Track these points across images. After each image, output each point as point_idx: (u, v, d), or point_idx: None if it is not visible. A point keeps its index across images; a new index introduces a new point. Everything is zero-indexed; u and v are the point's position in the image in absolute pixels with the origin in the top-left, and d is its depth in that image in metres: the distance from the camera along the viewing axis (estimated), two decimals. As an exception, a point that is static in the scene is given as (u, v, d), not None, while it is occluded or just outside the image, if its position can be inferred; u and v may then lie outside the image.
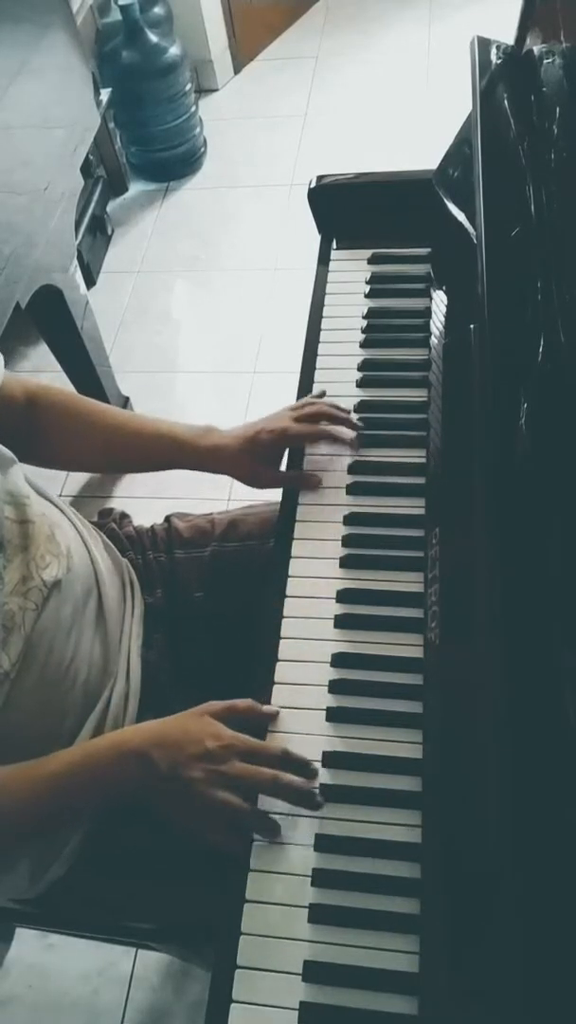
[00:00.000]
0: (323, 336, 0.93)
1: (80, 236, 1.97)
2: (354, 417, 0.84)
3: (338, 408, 0.83)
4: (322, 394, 0.87)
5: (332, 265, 1.00)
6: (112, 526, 0.93)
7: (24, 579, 0.66)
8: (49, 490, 0.77)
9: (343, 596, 0.72)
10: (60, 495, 0.80)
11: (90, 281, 2.16)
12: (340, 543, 0.76)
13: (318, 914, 0.57)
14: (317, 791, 0.60)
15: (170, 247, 2.28)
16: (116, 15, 2.15)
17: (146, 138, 2.34)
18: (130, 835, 0.72)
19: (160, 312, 2.13)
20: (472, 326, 0.68)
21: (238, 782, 0.60)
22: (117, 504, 1.09)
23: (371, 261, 0.99)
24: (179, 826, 0.61)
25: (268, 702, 0.67)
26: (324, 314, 0.95)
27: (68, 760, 0.63)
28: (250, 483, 0.82)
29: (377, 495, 0.79)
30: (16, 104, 1.26)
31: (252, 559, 0.88)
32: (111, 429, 0.82)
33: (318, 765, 0.63)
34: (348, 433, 0.81)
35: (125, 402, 1.84)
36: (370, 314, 0.94)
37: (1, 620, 0.63)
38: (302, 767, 0.61)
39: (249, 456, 0.80)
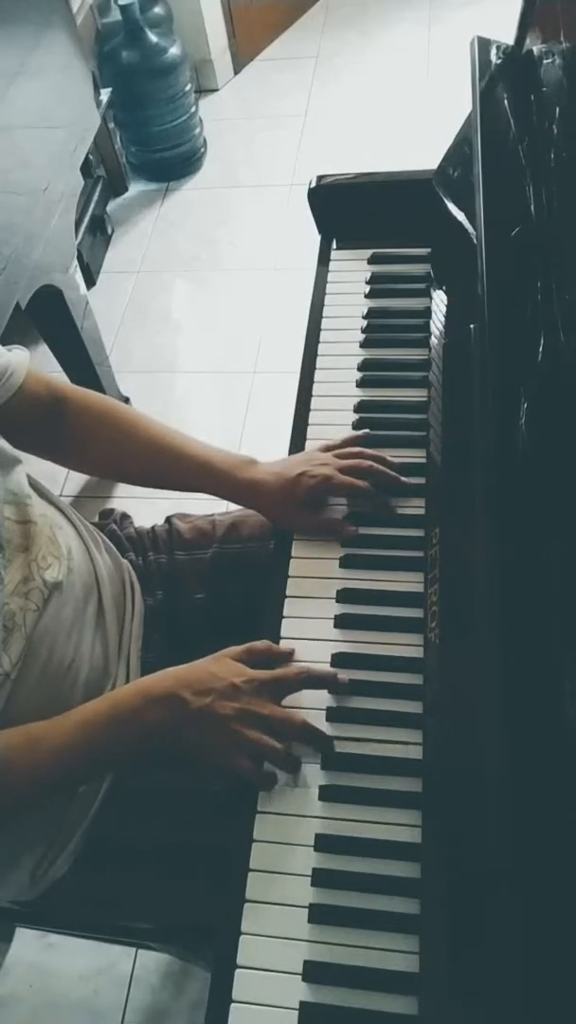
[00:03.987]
0: (323, 336, 0.93)
1: (80, 236, 1.97)
2: (352, 419, 0.84)
3: (385, 461, 0.77)
4: (365, 435, 0.81)
5: (332, 265, 1.00)
6: (113, 527, 0.93)
7: (25, 579, 0.66)
8: (49, 490, 0.77)
9: (343, 596, 0.72)
10: (60, 495, 0.80)
11: (90, 281, 2.16)
12: (340, 543, 0.76)
13: (318, 914, 0.57)
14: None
15: (170, 247, 2.28)
16: (116, 15, 2.15)
17: (146, 138, 2.34)
18: (130, 835, 0.73)
19: (160, 312, 2.13)
20: (472, 326, 0.68)
21: (268, 722, 0.62)
22: (117, 504, 1.10)
23: (371, 261, 0.99)
24: (205, 765, 0.63)
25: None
26: (324, 314, 0.95)
27: (95, 709, 0.63)
28: (283, 525, 0.78)
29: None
30: (16, 104, 1.26)
31: (253, 560, 0.88)
32: (147, 443, 0.79)
33: (318, 765, 0.63)
34: (388, 508, 0.76)
35: (125, 402, 1.84)
36: (370, 314, 0.94)
37: (2, 620, 0.63)
38: (328, 680, 0.65)
39: (287, 498, 0.76)
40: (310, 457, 0.79)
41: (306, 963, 0.55)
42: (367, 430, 0.82)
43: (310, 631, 0.71)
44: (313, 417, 0.86)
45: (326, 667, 0.67)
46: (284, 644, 0.70)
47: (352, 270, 0.98)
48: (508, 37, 0.89)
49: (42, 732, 0.62)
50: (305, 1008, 0.53)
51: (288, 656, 0.68)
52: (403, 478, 0.77)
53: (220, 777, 0.64)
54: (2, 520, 0.65)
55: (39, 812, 0.71)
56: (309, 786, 0.62)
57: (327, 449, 0.80)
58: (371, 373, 0.88)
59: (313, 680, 0.65)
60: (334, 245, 1.02)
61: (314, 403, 0.87)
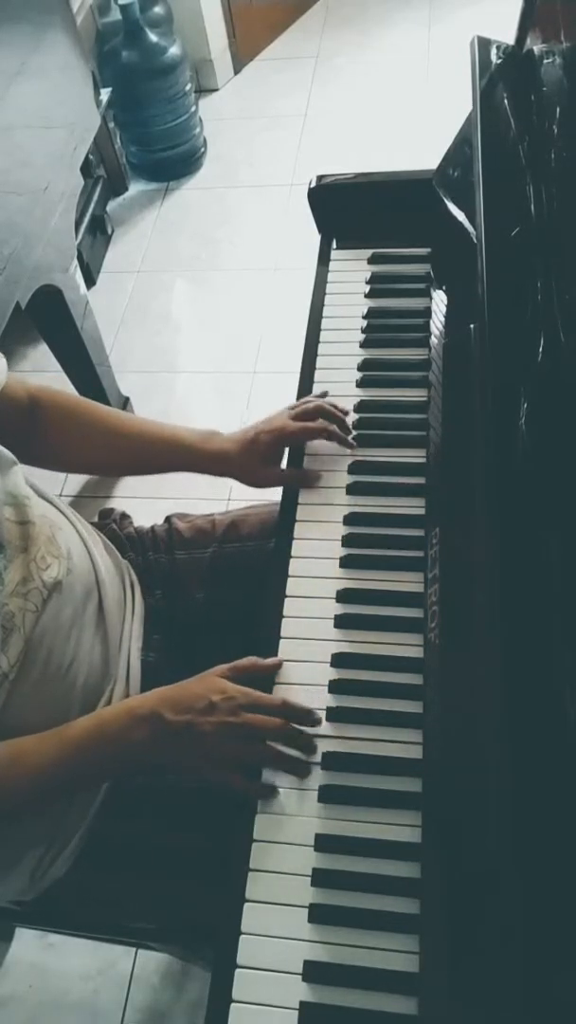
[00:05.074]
0: (323, 336, 0.93)
1: (80, 236, 1.97)
2: (351, 418, 0.84)
3: (336, 407, 0.83)
4: (324, 394, 0.87)
5: (332, 265, 1.00)
6: (113, 527, 0.93)
7: (24, 580, 0.66)
8: (49, 491, 0.77)
9: (343, 596, 0.72)
10: (60, 495, 0.80)
11: (90, 281, 2.16)
12: (340, 543, 0.76)
13: (318, 914, 0.57)
14: (314, 742, 0.64)
15: (170, 247, 2.28)
16: (116, 15, 2.15)
17: (146, 138, 2.34)
18: (130, 835, 0.73)
19: (160, 312, 2.13)
20: (472, 326, 0.68)
21: (245, 731, 0.62)
22: (117, 504, 1.09)
23: (371, 261, 0.99)
24: (192, 778, 0.65)
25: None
26: (324, 314, 0.95)
27: (83, 727, 0.65)
28: (252, 484, 0.83)
29: (377, 495, 0.79)
30: (16, 104, 1.26)
31: (253, 560, 0.88)
32: (114, 432, 0.83)
33: (318, 765, 0.63)
34: (341, 434, 0.82)
35: (125, 402, 1.84)
36: (370, 314, 0.94)
37: (1, 621, 0.63)
38: (303, 715, 0.65)
39: (250, 458, 0.81)
40: (266, 418, 0.84)
41: (306, 963, 0.55)
42: (325, 391, 0.88)
43: (310, 631, 0.71)
44: (313, 417, 0.86)
45: (306, 706, 0.66)
46: (284, 644, 0.70)
47: (352, 270, 0.98)
48: (508, 37, 0.89)
49: (29, 747, 0.63)
50: (305, 1008, 0.54)
51: (274, 669, 0.69)
52: (402, 479, 0.78)
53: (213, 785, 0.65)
54: (1, 520, 0.64)
55: (39, 813, 0.71)
56: (309, 786, 0.62)
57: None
58: (371, 373, 0.88)
59: (290, 711, 0.64)
60: (334, 245, 1.02)
61: (315, 402, 0.87)
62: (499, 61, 0.86)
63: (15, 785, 0.62)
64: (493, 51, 0.87)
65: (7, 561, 0.64)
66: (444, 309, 0.84)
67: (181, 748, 0.63)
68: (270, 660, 0.69)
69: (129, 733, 0.63)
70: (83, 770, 0.64)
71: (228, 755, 0.62)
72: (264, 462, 0.81)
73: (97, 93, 1.77)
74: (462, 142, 0.89)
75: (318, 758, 0.63)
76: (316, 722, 0.65)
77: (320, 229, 1.04)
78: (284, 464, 0.84)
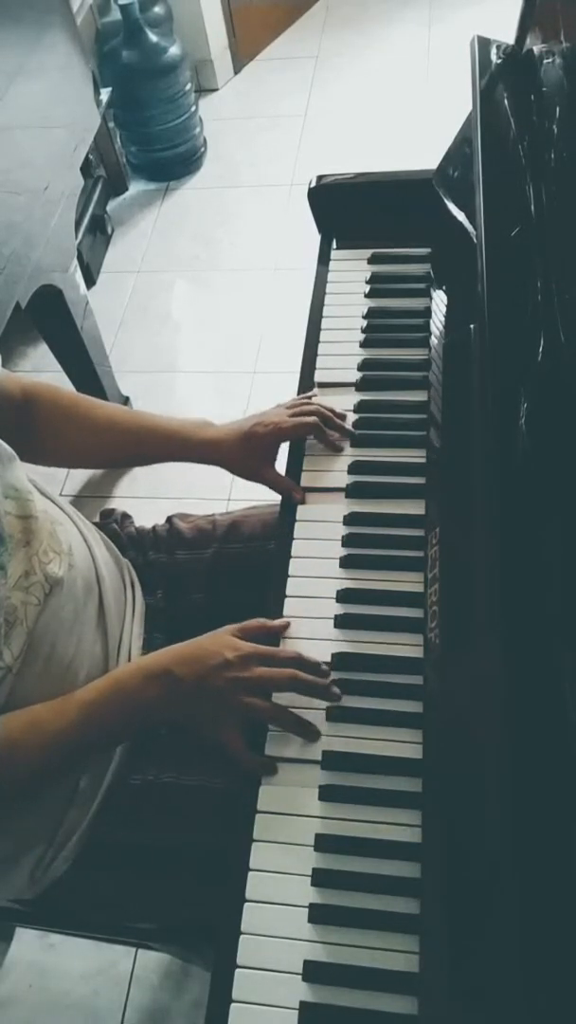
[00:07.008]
0: (323, 336, 0.93)
1: (80, 236, 1.97)
2: (351, 419, 0.84)
3: (333, 412, 0.84)
4: (314, 393, 0.88)
5: (332, 265, 1.00)
6: (114, 527, 0.93)
7: (27, 574, 0.66)
8: (48, 489, 0.77)
9: (343, 596, 0.72)
10: (60, 495, 0.80)
11: (90, 281, 2.16)
12: (340, 543, 0.76)
13: (318, 914, 0.57)
14: (334, 686, 0.65)
15: (170, 247, 2.28)
16: (116, 15, 2.15)
17: (146, 138, 2.34)
18: (130, 834, 0.73)
19: (160, 312, 2.13)
20: (472, 326, 0.68)
21: (259, 684, 0.64)
22: (118, 504, 1.09)
23: (371, 261, 0.99)
24: (206, 738, 0.65)
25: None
26: (324, 314, 0.95)
27: (97, 688, 0.66)
28: (243, 476, 0.84)
29: (377, 495, 0.79)
30: (16, 104, 1.26)
31: (254, 560, 0.88)
32: (108, 425, 0.83)
33: (318, 765, 0.63)
34: (330, 439, 0.83)
35: (125, 402, 1.84)
36: (370, 314, 0.94)
37: (3, 614, 0.63)
38: (315, 667, 0.66)
39: (244, 450, 0.82)
40: (263, 412, 0.85)
41: (306, 963, 0.55)
42: (316, 391, 0.89)
43: (310, 631, 0.71)
44: (313, 417, 0.86)
45: (317, 659, 0.68)
46: (284, 644, 0.70)
47: (352, 270, 0.98)
48: (508, 37, 0.89)
49: (46, 713, 0.64)
50: (305, 1008, 0.54)
51: (282, 630, 0.70)
52: (402, 479, 0.78)
53: (223, 773, 0.64)
54: (3, 514, 0.64)
55: (39, 810, 0.71)
56: (309, 786, 0.62)
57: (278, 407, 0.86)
58: (371, 373, 0.88)
59: (303, 663, 0.66)
60: (334, 245, 1.02)
61: (314, 403, 0.87)
62: (499, 61, 0.86)
63: (34, 751, 0.62)
64: (493, 51, 0.87)
65: (9, 555, 0.64)
66: (444, 309, 0.84)
67: (194, 704, 0.64)
68: (278, 621, 0.71)
69: (143, 691, 0.64)
70: (99, 731, 0.65)
71: (240, 711, 0.63)
72: (258, 457, 0.82)
73: (97, 93, 1.77)
74: (462, 142, 0.89)
75: (318, 756, 0.63)
76: (326, 674, 0.66)
77: (320, 229, 1.04)
78: (284, 461, 0.84)
